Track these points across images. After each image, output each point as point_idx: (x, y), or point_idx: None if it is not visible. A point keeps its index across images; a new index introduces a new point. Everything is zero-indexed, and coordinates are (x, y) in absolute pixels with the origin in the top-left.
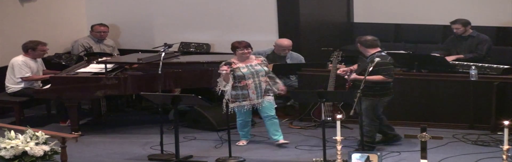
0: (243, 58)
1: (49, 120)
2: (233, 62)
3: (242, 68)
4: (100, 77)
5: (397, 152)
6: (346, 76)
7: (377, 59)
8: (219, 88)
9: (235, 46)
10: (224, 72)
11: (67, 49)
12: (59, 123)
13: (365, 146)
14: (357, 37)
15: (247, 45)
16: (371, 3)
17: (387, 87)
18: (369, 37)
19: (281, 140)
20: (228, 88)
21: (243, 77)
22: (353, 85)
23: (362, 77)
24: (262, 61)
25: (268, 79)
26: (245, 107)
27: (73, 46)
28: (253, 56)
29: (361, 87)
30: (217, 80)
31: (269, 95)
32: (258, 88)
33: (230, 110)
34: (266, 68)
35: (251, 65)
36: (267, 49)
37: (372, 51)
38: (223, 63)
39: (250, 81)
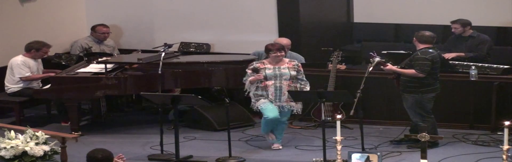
0: (276, 61)
1: (49, 120)
2: (263, 62)
3: (268, 69)
4: (100, 77)
5: (398, 152)
6: (381, 66)
7: (377, 59)
8: (247, 90)
9: (269, 49)
10: (255, 77)
11: (67, 49)
12: (61, 123)
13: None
14: (421, 31)
15: (280, 48)
16: (371, 3)
17: (427, 83)
18: (427, 33)
19: (276, 144)
20: (253, 89)
21: (265, 78)
22: (398, 78)
23: (399, 69)
24: (293, 65)
25: (295, 84)
26: (269, 105)
27: (72, 46)
28: (286, 59)
29: (361, 87)
30: (244, 81)
31: (292, 102)
32: (277, 90)
33: (257, 109)
34: (293, 73)
35: (278, 68)
36: None
37: (422, 46)
38: (252, 67)
39: (270, 83)
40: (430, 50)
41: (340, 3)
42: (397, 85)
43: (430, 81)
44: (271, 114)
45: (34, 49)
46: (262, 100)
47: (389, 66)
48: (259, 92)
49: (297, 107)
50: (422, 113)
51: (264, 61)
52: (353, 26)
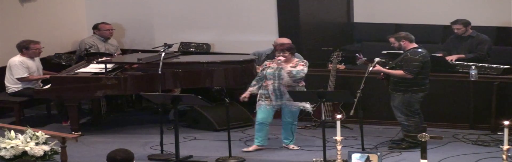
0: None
1: (49, 120)
2: (272, 61)
3: (270, 68)
4: (100, 77)
5: (398, 152)
6: (370, 68)
7: (377, 59)
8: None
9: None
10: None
11: (67, 49)
12: (62, 123)
13: (405, 143)
14: (397, 33)
15: (284, 49)
16: (371, 3)
17: (418, 83)
18: (407, 33)
19: (291, 145)
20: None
21: (266, 77)
22: (387, 77)
23: (387, 70)
24: (296, 63)
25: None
26: (262, 107)
27: (80, 45)
28: (295, 59)
29: (361, 87)
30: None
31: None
32: (276, 90)
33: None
34: (292, 69)
35: (280, 68)
36: (267, 49)
37: (412, 46)
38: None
39: (270, 82)
40: (420, 50)
41: (340, 3)
42: (388, 85)
43: (420, 81)
44: (259, 116)
45: (23, 48)
46: (260, 102)
47: (377, 67)
48: (262, 91)
49: (308, 107)
50: (407, 112)
51: (274, 60)
52: (353, 26)
